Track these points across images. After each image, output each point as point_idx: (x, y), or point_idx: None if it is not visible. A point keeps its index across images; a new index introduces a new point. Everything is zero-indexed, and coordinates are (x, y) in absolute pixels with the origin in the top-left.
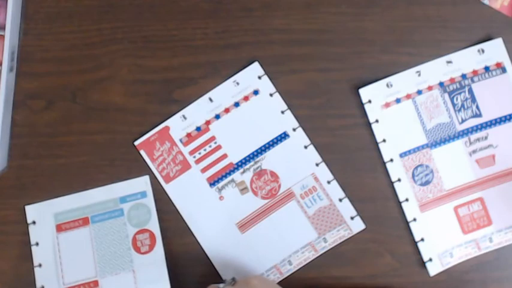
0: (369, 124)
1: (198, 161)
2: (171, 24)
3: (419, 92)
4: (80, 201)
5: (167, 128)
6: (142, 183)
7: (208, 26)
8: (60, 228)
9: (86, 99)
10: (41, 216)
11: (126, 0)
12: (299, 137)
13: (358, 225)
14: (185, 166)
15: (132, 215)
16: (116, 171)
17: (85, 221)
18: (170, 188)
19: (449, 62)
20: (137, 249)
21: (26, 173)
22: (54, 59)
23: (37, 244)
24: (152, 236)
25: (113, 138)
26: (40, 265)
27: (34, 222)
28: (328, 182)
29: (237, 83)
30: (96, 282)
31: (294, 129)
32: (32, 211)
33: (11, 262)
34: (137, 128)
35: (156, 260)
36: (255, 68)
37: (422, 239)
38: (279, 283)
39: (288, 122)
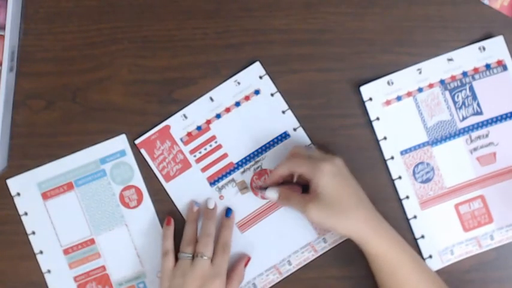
0: (370, 122)
1: (198, 160)
2: (171, 24)
3: (420, 90)
4: (61, 168)
5: (168, 127)
6: (120, 142)
7: (208, 26)
8: (46, 196)
9: (86, 99)
10: (24, 187)
11: (126, 0)
12: (300, 137)
13: None
14: (185, 165)
15: (115, 174)
16: None
17: (69, 186)
18: (170, 187)
19: (450, 59)
20: (126, 205)
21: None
22: (54, 59)
23: (26, 214)
24: (138, 191)
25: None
26: (34, 232)
27: (18, 194)
28: None
29: (238, 83)
30: (92, 240)
31: (295, 129)
32: (14, 183)
33: (11, 262)
34: (137, 128)
35: (147, 213)
36: (257, 68)
37: (422, 236)
38: (278, 283)
39: (289, 121)
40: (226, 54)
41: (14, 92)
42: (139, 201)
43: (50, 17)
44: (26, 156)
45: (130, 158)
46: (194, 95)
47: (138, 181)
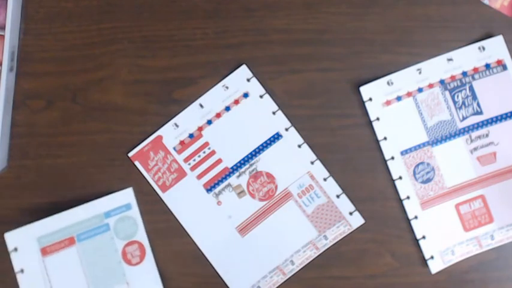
0: (370, 123)
1: (193, 168)
2: (171, 24)
3: (420, 90)
4: (63, 222)
5: (160, 137)
6: (126, 195)
7: (208, 26)
8: (45, 251)
9: (86, 99)
10: (23, 241)
11: (126, 0)
12: (292, 137)
13: (357, 220)
14: (181, 174)
15: (119, 229)
16: (116, 171)
17: (71, 241)
18: (167, 197)
19: (450, 59)
20: (128, 262)
21: (26, 173)
22: (54, 59)
23: (22, 271)
24: (141, 247)
25: (113, 138)
26: None
27: (16, 249)
28: (325, 179)
29: (226, 87)
30: None
31: (287, 129)
32: (12, 238)
33: (10, 262)
34: (137, 128)
35: (149, 270)
36: (243, 71)
37: (423, 237)
38: (281, 285)
39: (280, 122)
40: (226, 54)
41: (14, 92)
42: (142, 257)
43: (50, 17)
44: (26, 156)
45: (135, 212)
46: (194, 95)
47: (142, 236)
